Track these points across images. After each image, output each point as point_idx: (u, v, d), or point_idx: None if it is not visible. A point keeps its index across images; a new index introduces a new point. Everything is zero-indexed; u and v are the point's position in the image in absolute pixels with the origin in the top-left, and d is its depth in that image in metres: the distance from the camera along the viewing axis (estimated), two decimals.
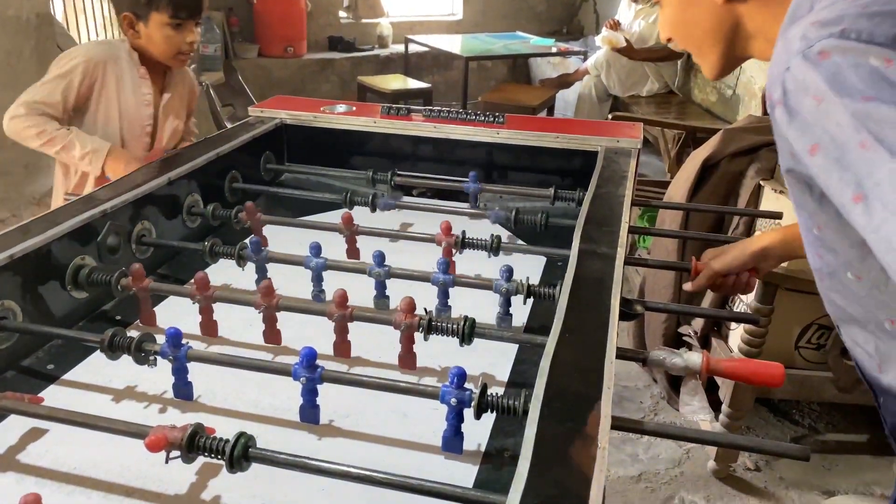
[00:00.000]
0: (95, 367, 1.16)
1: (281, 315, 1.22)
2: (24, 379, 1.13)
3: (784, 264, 2.24)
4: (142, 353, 1.04)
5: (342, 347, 1.20)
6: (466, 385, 0.94)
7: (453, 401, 0.94)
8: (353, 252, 1.54)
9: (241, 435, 0.83)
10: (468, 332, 1.10)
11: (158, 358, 1.04)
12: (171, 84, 1.99)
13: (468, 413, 0.94)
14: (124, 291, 1.25)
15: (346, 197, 1.66)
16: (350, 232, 1.52)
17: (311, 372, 0.98)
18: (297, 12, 6.13)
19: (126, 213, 1.39)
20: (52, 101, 1.77)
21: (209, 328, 1.25)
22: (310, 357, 0.97)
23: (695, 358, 1.02)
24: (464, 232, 1.44)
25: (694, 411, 2.32)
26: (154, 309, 1.30)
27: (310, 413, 1.03)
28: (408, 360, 1.18)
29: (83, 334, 1.13)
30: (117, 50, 1.87)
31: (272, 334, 1.23)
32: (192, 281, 1.22)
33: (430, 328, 1.11)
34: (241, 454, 0.82)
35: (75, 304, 1.27)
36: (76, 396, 1.10)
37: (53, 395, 1.09)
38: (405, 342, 1.16)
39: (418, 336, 1.14)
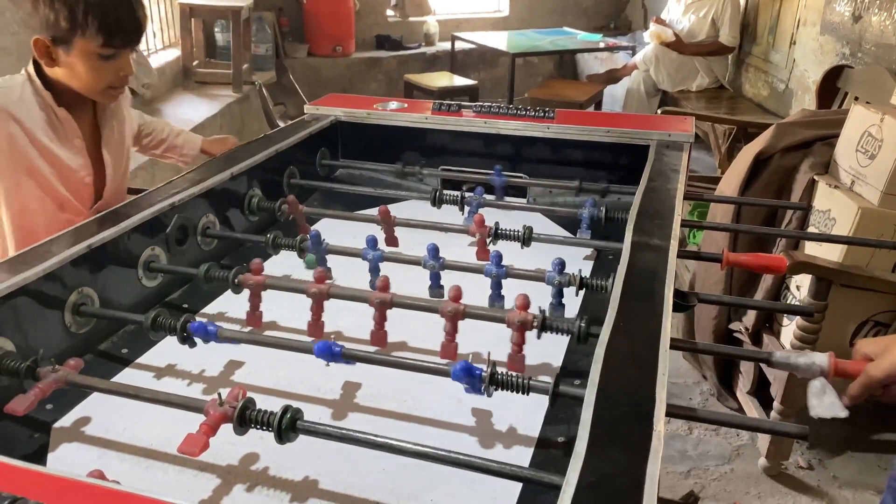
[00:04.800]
0: (164, 351, 1.22)
1: (332, 304, 1.25)
2: (102, 362, 1.20)
3: (839, 259, 2.21)
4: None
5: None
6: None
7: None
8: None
9: (287, 408, 0.87)
10: (585, 332, 1.09)
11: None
12: (107, 117, 1.64)
13: (525, 399, 0.97)
14: (240, 288, 1.27)
15: (435, 195, 1.66)
16: (387, 224, 1.54)
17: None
18: (346, 12, 6.21)
19: (192, 207, 1.45)
20: None
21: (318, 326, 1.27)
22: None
23: (822, 358, 1.03)
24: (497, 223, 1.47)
25: (826, 408, 2.29)
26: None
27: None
28: (517, 360, 1.18)
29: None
30: (14, 92, 1.48)
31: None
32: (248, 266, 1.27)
33: (544, 326, 1.11)
34: (288, 426, 0.87)
35: (146, 291, 1.33)
36: (148, 378, 1.16)
37: (129, 377, 1.16)
38: (516, 339, 1.17)
39: (474, 325, 1.16)
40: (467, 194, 1.67)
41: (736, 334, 2.57)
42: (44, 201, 1.53)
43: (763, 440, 2.41)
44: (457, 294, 1.15)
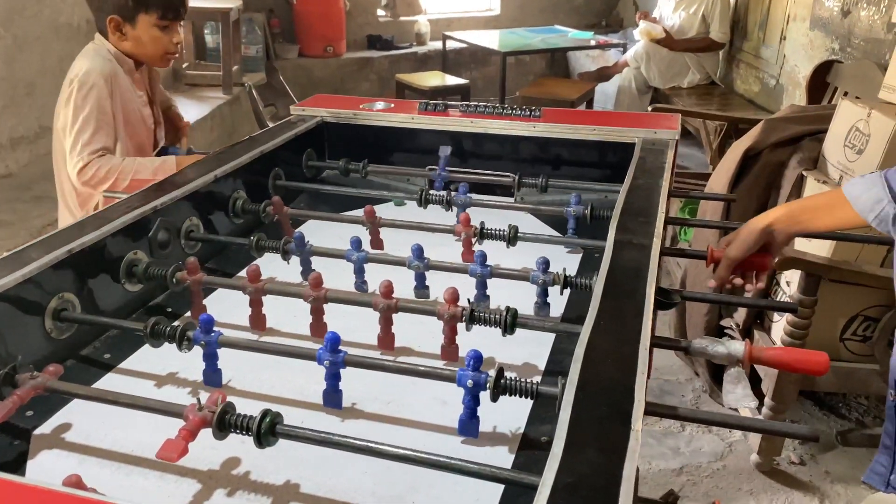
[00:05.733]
0: (148, 356, 1.21)
1: (325, 308, 1.25)
2: (84, 367, 1.19)
3: (827, 254, 2.21)
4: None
5: (386, 340, 1.23)
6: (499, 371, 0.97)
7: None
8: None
9: (266, 412, 0.87)
10: (510, 322, 1.12)
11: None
12: (153, 80, 2.10)
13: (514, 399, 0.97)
14: (179, 284, 1.30)
15: (421, 195, 1.65)
16: (373, 225, 1.54)
17: (334, 356, 1.02)
18: (337, 12, 6.20)
19: (175, 210, 1.44)
20: (108, 143, 1.86)
21: (258, 322, 1.29)
22: (333, 341, 1.01)
23: (737, 346, 1.03)
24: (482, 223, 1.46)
25: (738, 399, 2.31)
26: (203, 302, 1.35)
27: (332, 397, 1.07)
28: (450, 351, 1.20)
29: (136, 324, 1.18)
30: (113, 64, 1.90)
31: (319, 327, 1.26)
32: (244, 273, 1.27)
33: (473, 318, 1.13)
34: (268, 430, 0.86)
35: (129, 296, 1.33)
36: (131, 383, 1.16)
37: (111, 383, 1.15)
38: (448, 333, 1.18)
39: (459, 327, 1.16)
40: (453, 194, 1.66)
41: (727, 331, 2.57)
42: (138, 148, 1.96)
43: (755, 436, 2.42)
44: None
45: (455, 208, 1.66)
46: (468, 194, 1.66)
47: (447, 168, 1.82)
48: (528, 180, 1.77)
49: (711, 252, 1.36)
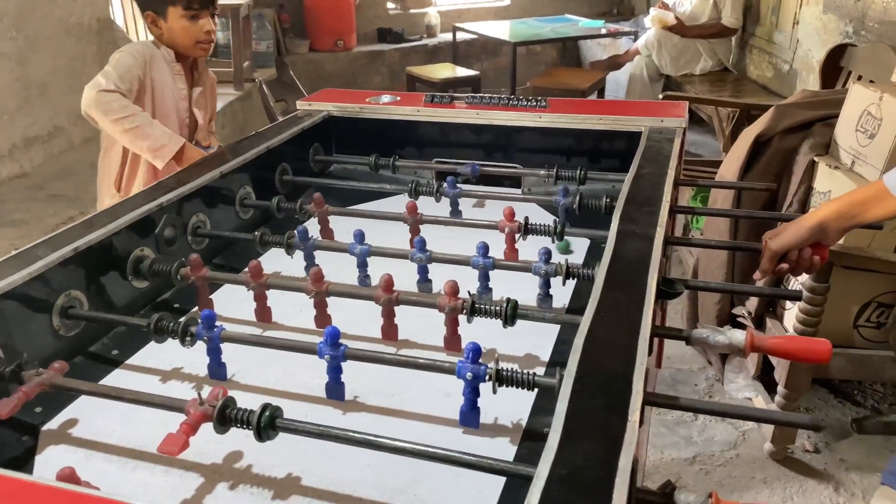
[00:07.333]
0: (155, 352, 1.22)
1: (329, 300, 1.26)
2: (92, 364, 1.20)
3: (840, 241, 2.19)
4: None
5: (390, 331, 1.24)
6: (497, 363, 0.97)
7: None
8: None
9: (266, 406, 0.88)
10: (511, 313, 1.12)
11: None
12: (200, 81, 2.16)
13: (508, 391, 0.97)
14: (183, 281, 1.31)
15: (412, 187, 1.66)
16: (414, 221, 1.53)
17: (334, 350, 1.03)
18: (346, 6, 6.20)
19: (182, 206, 1.45)
20: (126, 83, 1.88)
21: (264, 314, 1.31)
22: (333, 336, 1.02)
23: (738, 335, 1.02)
24: (527, 218, 1.46)
25: (739, 389, 2.29)
26: (210, 297, 1.36)
27: (334, 390, 1.08)
28: (453, 342, 1.21)
29: (140, 321, 1.19)
30: (153, 49, 2.01)
31: (323, 319, 1.27)
32: (247, 269, 1.28)
33: (474, 310, 1.13)
34: (267, 424, 0.87)
35: (136, 293, 1.34)
36: (139, 379, 1.17)
37: (118, 379, 1.17)
38: (450, 325, 1.19)
39: (462, 318, 1.17)
40: (444, 185, 1.67)
41: (739, 319, 2.55)
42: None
43: (768, 425, 2.40)
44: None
45: (447, 199, 1.67)
46: (457, 186, 1.67)
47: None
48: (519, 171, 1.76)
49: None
